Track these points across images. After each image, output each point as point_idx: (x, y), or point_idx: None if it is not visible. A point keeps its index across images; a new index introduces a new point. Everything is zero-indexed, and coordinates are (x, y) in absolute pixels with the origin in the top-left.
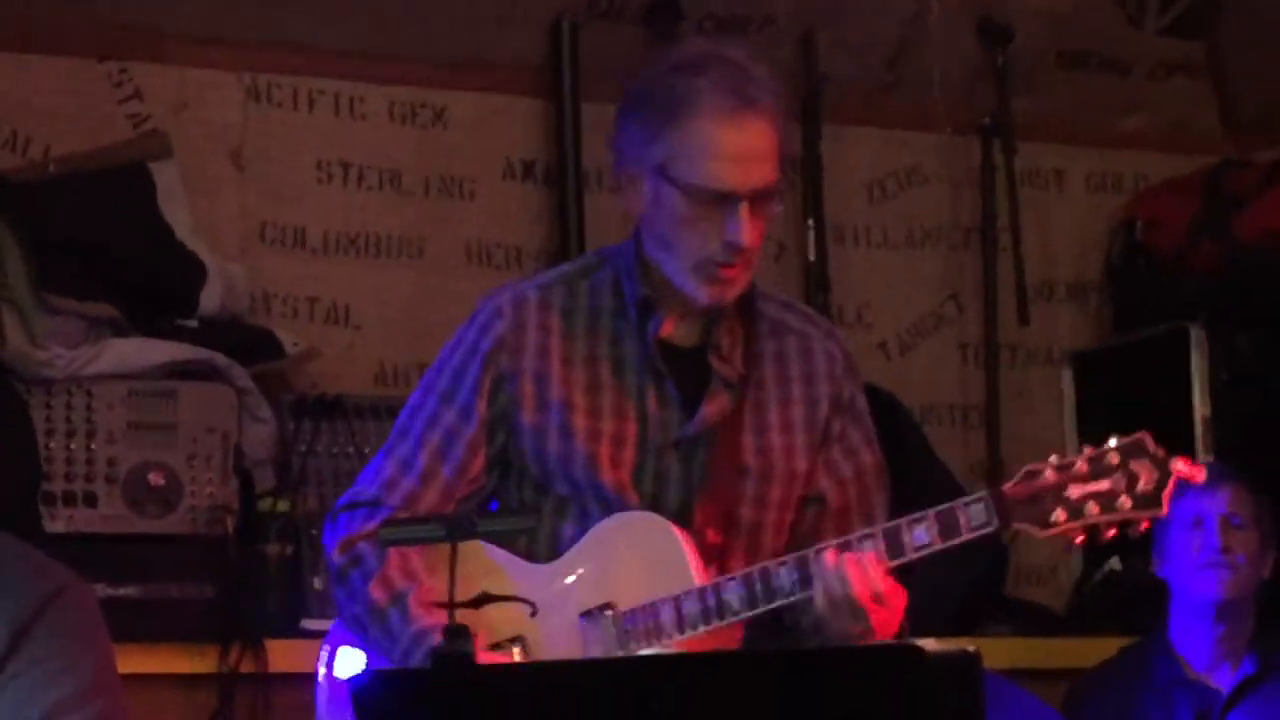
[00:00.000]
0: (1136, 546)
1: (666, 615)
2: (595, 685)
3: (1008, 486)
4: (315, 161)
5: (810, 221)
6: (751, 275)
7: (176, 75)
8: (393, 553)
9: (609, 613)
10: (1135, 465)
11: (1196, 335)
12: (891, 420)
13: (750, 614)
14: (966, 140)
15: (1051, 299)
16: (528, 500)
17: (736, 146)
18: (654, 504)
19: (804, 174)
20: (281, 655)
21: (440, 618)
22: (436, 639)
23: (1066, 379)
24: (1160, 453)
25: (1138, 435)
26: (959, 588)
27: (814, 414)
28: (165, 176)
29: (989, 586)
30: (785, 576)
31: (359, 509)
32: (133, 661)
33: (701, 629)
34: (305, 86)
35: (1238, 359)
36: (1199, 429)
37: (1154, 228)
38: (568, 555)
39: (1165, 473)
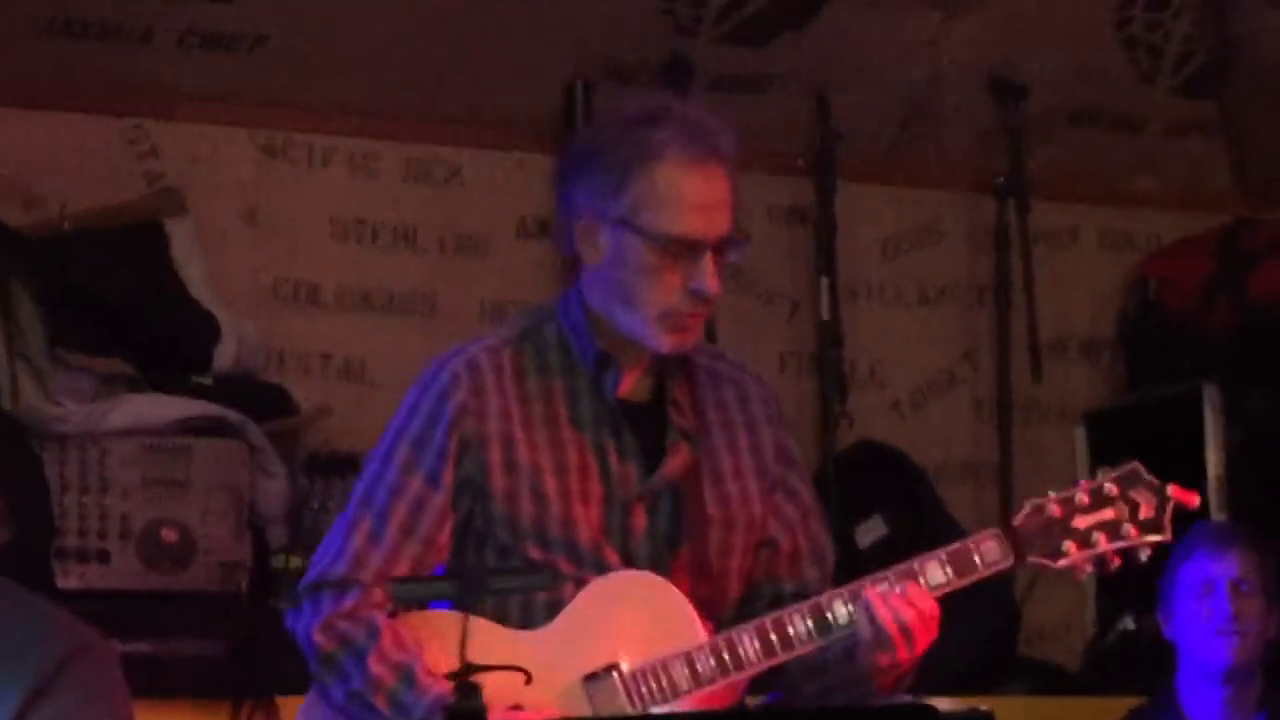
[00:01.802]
0: (1150, 604)
1: (679, 672)
2: None
3: (1017, 521)
4: (329, 218)
5: (824, 279)
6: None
7: (191, 132)
8: (384, 628)
9: (615, 673)
10: (1134, 494)
11: (1210, 394)
12: (903, 478)
13: (766, 665)
14: (980, 198)
15: (1065, 357)
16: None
17: (703, 195)
18: (626, 560)
19: (818, 231)
20: (293, 713)
21: (449, 685)
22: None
23: (1080, 437)
24: (1155, 480)
25: (1131, 465)
26: (971, 646)
27: (761, 460)
28: (180, 233)
29: (1002, 645)
30: (800, 625)
31: (325, 590)
32: (145, 718)
33: (718, 681)
34: (319, 143)
35: (1251, 419)
36: (1212, 488)
37: (1168, 286)
38: (559, 620)
39: (1164, 498)
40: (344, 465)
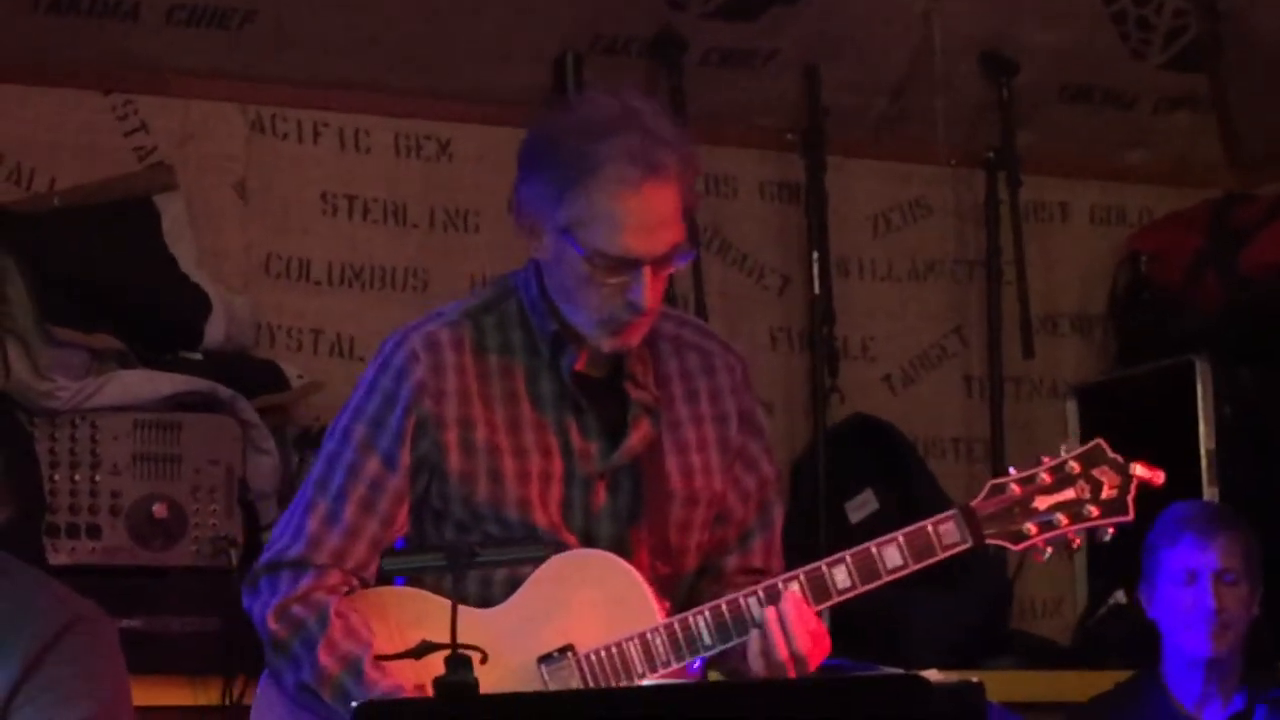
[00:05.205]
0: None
1: (633, 653)
2: (602, 716)
3: (976, 502)
4: (320, 194)
5: (815, 254)
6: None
7: (182, 108)
8: (334, 616)
9: (570, 655)
10: (1096, 472)
11: (1201, 368)
12: (894, 452)
13: (721, 647)
14: (971, 173)
15: (1056, 332)
16: (448, 540)
17: (641, 217)
18: (587, 539)
19: (808, 207)
20: None
21: (397, 678)
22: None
23: (1071, 412)
24: (1119, 458)
25: (1094, 442)
26: (963, 620)
27: (725, 431)
28: (170, 209)
29: (993, 619)
30: (755, 606)
31: (282, 570)
32: (136, 694)
33: (673, 664)
34: (310, 119)
35: (1242, 393)
36: (1204, 462)
37: (1158, 261)
38: (514, 598)
39: (1127, 477)
40: None
